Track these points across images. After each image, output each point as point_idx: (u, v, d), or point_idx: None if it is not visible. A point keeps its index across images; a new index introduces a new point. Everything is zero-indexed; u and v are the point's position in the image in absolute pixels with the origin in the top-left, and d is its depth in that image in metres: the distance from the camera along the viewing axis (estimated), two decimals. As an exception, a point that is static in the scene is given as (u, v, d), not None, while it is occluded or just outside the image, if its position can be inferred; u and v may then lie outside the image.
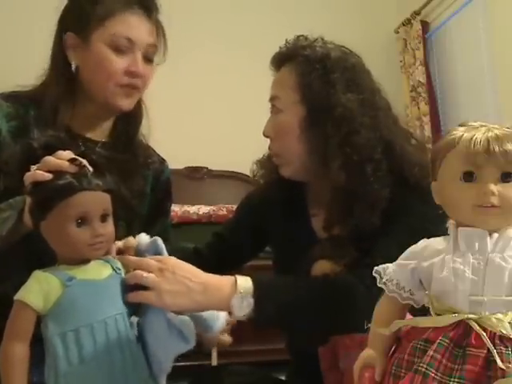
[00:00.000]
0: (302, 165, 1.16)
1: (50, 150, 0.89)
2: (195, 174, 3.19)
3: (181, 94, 3.02)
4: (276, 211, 1.26)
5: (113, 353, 0.84)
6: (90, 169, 0.86)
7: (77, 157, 0.87)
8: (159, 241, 0.94)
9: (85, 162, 0.87)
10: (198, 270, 0.94)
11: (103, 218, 0.87)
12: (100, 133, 1.24)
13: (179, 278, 0.90)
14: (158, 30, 1.22)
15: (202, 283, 0.91)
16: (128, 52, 1.16)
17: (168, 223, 1.41)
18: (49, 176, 0.85)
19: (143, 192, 1.29)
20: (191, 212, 2.80)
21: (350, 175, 1.09)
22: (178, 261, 0.93)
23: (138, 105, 1.27)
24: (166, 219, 1.40)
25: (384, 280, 0.78)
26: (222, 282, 0.94)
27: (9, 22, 3.02)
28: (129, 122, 1.26)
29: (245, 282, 0.95)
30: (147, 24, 1.18)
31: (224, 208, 2.82)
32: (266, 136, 1.19)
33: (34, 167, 0.87)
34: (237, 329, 1.16)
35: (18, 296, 0.83)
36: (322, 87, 1.11)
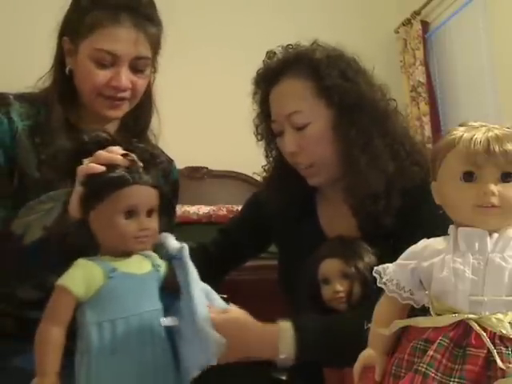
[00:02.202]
0: (334, 169, 1.14)
1: (100, 144, 0.92)
2: (195, 173, 3.19)
3: (181, 94, 3.01)
4: (283, 211, 1.25)
5: (145, 347, 0.86)
6: (141, 164, 0.89)
7: (128, 152, 0.90)
8: (186, 251, 0.94)
9: (135, 157, 0.90)
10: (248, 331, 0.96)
11: (149, 213, 0.90)
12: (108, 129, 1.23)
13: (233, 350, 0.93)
14: (152, 40, 1.18)
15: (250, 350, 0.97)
16: (112, 65, 1.14)
17: (172, 224, 1.41)
18: (102, 168, 0.88)
19: None
20: (191, 212, 2.79)
21: (395, 166, 1.10)
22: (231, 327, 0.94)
23: (146, 104, 1.26)
24: (171, 219, 1.40)
25: (384, 280, 0.78)
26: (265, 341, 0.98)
27: (13, 22, 3.01)
28: (136, 121, 1.26)
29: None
30: (136, 36, 1.14)
31: (224, 208, 2.81)
32: (289, 153, 1.15)
33: (85, 161, 0.90)
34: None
35: (60, 281, 0.85)
36: (347, 85, 1.11)
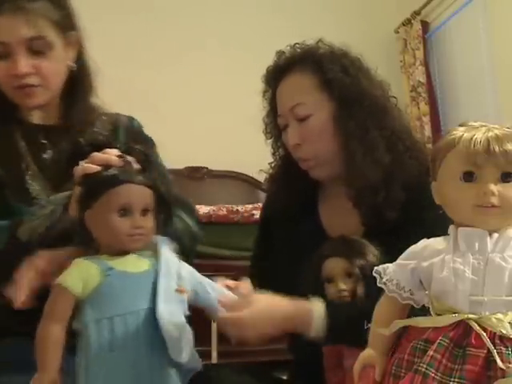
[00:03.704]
0: (335, 163, 1.16)
1: (96, 147, 0.96)
2: (195, 173, 3.19)
3: (181, 94, 3.01)
4: (285, 210, 1.25)
5: (141, 345, 0.87)
6: (137, 166, 0.93)
7: (123, 154, 0.94)
8: (163, 241, 0.97)
9: (131, 159, 0.93)
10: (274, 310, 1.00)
11: (144, 213, 0.92)
12: (49, 116, 1.23)
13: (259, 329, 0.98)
14: (45, 19, 1.14)
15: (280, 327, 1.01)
16: (7, 55, 1.13)
17: (165, 170, 1.29)
18: (97, 168, 0.92)
19: None
20: (191, 212, 2.79)
21: (392, 158, 1.12)
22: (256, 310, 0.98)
23: (80, 77, 1.23)
24: (161, 163, 1.28)
25: (384, 280, 0.78)
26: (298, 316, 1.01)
27: None
28: (76, 96, 1.23)
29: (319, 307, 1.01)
30: (22, 19, 1.11)
31: (224, 208, 2.81)
32: (292, 145, 1.17)
33: (82, 162, 0.94)
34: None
35: (57, 280, 0.87)
36: (348, 80, 1.14)
